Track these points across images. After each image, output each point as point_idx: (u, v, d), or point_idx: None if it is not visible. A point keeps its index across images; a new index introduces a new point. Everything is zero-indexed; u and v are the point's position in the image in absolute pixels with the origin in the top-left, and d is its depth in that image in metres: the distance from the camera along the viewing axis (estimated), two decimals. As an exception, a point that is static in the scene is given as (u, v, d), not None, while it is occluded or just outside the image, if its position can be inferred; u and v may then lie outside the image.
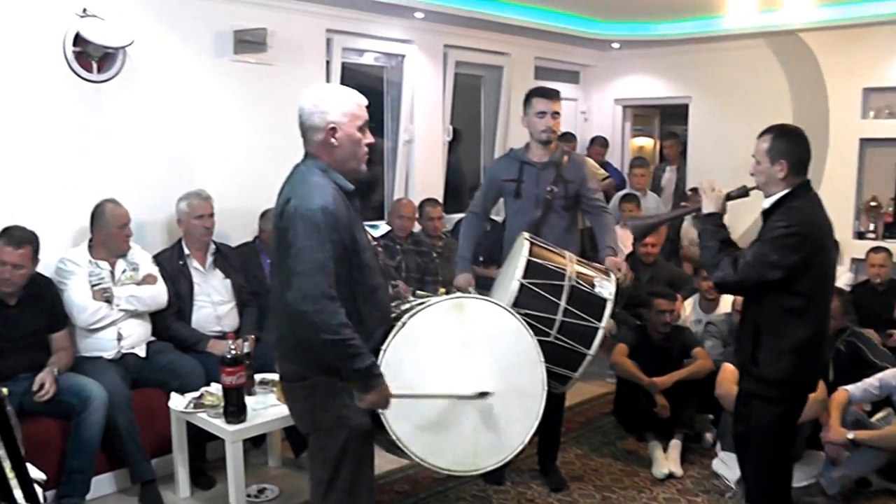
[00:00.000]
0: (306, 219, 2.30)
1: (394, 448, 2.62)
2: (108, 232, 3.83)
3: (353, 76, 5.43)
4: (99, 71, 4.09)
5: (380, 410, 2.48)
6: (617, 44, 7.02)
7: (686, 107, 7.17)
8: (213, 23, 4.50)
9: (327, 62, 5.17)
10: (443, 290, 4.56)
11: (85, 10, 3.95)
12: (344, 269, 2.38)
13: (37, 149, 3.92)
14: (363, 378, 2.39)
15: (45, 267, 3.71)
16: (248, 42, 4.53)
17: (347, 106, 2.44)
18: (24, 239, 3.48)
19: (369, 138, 2.51)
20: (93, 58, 4.05)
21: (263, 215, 4.45)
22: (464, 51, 6.11)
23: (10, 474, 1.74)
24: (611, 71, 7.48)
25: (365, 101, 2.51)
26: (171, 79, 4.37)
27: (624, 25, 6.70)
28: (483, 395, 2.68)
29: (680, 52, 6.91)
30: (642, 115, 8.15)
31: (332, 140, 2.42)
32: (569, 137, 6.52)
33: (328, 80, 5.09)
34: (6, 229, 3.51)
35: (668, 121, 8.35)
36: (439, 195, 5.86)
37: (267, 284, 4.36)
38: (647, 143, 8.38)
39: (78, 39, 3.96)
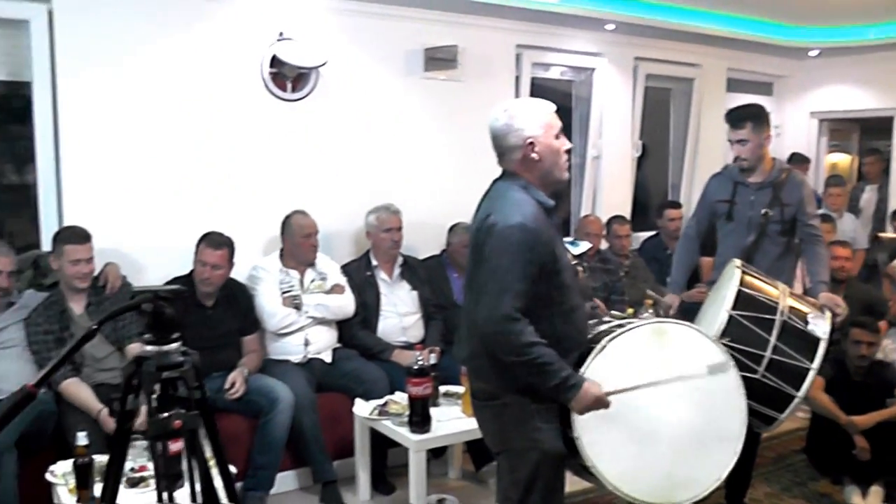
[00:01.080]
0: (503, 236, 2.25)
1: (586, 474, 2.50)
2: (294, 241, 4.02)
3: (540, 91, 5.37)
4: (293, 90, 4.32)
5: (575, 436, 2.37)
6: (815, 51, 6.50)
7: (890, 120, 6.54)
8: (403, 41, 4.63)
9: (516, 77, 5.16)
10: (630, 310, 4.40)
11: (281, 34, 4.19)
12: (542, 288, 2.30)
13: (234, 162, 4.19)
14: (561, 392, 2.29)
15: (238, 273, 3.93)
16: (439, 59, 4.62)
17: (541, 117, 2.38)
18: (223, 242, 3.73)
19: (567, 144, 2.43)
20: (287, 78, 4.29)
21: (452, 229, 4.50)
22: (654, 63, 5.90)
23: (215, 471, 1.80)
24: (807, 81, 6.93)
25: (554, 107, 2.44)
26: (362, 96, 4.53)
27: (824, 31, 6.18)
28: (716, 369, 2.51)
29: (887, 60, 6.29)
30: (839, 130, 7.50)
31: (533, 155, 2.35)
32: (799, 158, 6.15)
33: (517, 96, 5.08)
34: (207, 234, 3.76)
35: (868, 135, 7.67)
36: (627, 212, 5.68)
37: (453, 298, 4.39)
38: (842, 159, 7.70)
39: (274, 61, 4.20)
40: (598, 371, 2.39)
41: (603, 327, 2.60)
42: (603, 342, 2.43)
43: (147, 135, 3.98)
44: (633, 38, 5.60)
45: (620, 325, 2.57)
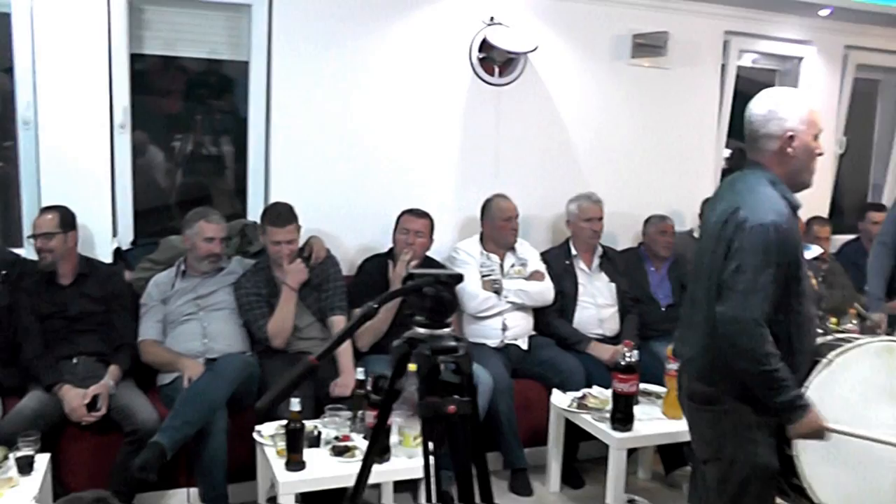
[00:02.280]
0: (756, 234, 2.14)
1: (796, 495, 2.36)
2: (494, 224, 4.03)
3: (741, 81, 5.14)
4: (500, 75, 4.31)
5: (794, 454, 2.25)
6: None
7: None
8: (611, 27, 4.53)
9: (722, 66, 4.94)
10: (833, 319, 4.14)
11: (492, 19, 4.19)
12: (782, 294, 2.19)
13: (440, 144, 4.27)
14: (786, 411, 2.19)
15: (436, 253, 3.99)
16: (647, 46, 4.50)
17: (805, 113, 2.24)
18: (424, 213, 3.85)
19: (821, 149, 2.30)
20: (496, 62, 4.29)
21: (648, 221, 4.39)
22: (866, 52, 5.50)
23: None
24: None
25: (819, 108, 2.31)
26: (567, 82, 4.48)
27: None
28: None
29: None
30: None
31: (789, 150, 2.23)
32: None
33: (723, 86, 4.87)
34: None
35: None
36: (825, 213, 5.35)
37: (649, 291, 4.28)
38: None
39: (484, 45, 4.21)
40: (822, 388, 2.26)
41: (821, 340, 2.43)
42: (830, 356, 2.30)
43: (352, 115, 4.11)
44: (847, 24, 5.24)
45: (845, 340, 2.41)
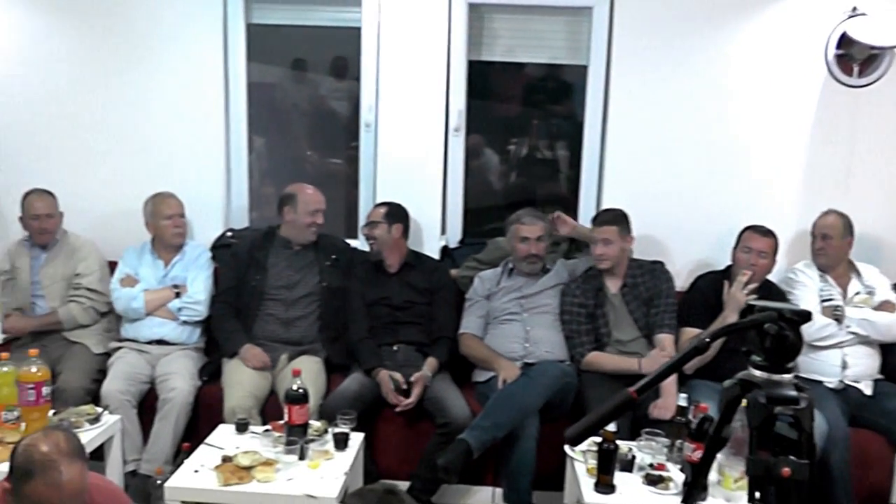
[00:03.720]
0: None
1: None
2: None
3: None
4: (859, 75, 3.79)
5: None
6: None
7: None
8: None
9: None
10: None
11: (854, 9, 3.68)
12: None
13: (785, 151, 3.88)
14: None
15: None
16: None
17: None
18: (769, 231, 3.55)
19: None
20: (855, 60, 3.77)
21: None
22: None
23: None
24: None
25: None
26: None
27: None
28: None
29: None
30: None
31: None
32: None
33: None
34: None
35: None
36: None
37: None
38: None
39: (843, 41, 3.72)
40: None
41: None
42: None
43: (694, 121, 3.90)
44: None
45: None
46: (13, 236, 3.92)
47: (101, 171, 4.12)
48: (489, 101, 4.33)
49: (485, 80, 4.20)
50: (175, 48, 4.02)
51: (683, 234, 3.92)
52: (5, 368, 2.92)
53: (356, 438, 2.99)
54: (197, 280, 3.77)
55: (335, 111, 4.46)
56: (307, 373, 3.07)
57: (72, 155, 4.12)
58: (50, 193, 3.80)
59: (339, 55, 4.35)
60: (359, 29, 3.96)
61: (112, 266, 3.86)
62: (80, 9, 4.05)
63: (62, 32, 4.08)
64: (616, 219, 3.55)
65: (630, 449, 2.87)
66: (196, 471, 2.71)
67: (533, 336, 3.54)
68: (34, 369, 2.85)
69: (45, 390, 2.87)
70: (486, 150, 4.38)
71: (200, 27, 3.99)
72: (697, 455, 2.52)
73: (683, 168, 3.92)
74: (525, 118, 4.48)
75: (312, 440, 2.89)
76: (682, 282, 3.81)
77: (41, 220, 3.74)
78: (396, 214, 3.71)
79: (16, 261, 3.83)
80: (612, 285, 3.58)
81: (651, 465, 2.80)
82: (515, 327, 3.58)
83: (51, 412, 2.97)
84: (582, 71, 4.02)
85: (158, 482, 2.71)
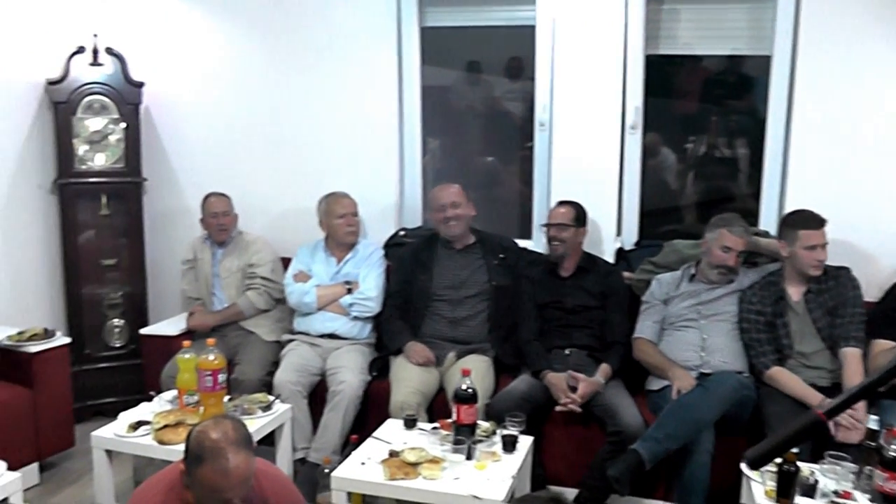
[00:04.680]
0: None
1: None
2: None
3: None
4: None
5: None
6: None
7: None
8: None
9: None
10: None
11: None
12: None
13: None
14: None
15: None
16: None
17: None
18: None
19: None
20: None
21: None
22: None
23: None
24: None
25: None
26: None
27: None
28: None
29: None
30: None
31: None
32: None
33: None
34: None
35: None
36: None
37: None
38: None
39: None
40: None
41: None
42: None
43: (888, 117, 3.53)
44: None
45: None
46: (196, 233, 4.23)
47: (277, 174, 4.36)
48: (665, 97, 4.14)
49: (661, 75, 4.02)
50: (351, 54, 4.16)
51: (882, 240, 3.57)
52: (187, 356, 3.12)
53: (525, 442, 2.94)
54: (369, 277, 3.87)
55: (509, 112, 4.45)
56: (475, 371, 3.05)
57: (249, 159, 4.41)
58: (226, 195, 4.08)
59: (514, 55, 4.32)
60: (533, 27, 3.91)
61: (286, 263, 4.06)
62: (259, 20, 4.30)
63: (242, 44, 4.37)
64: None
65: (812, 472, 2.62)
66: (363, 463, 2.76)
67: (710, 344, 3.35)
68: (212, 357, 3.02)
69: (222, 377, 3.04)
70: (662, 149, 4.20)
71: (375, 33, 4.10)
72: (891, 486, 2.33)
73: (878, 168, 3.57)
74: (703, 115, 4.26)
75: (480, 440, 2.87)
76: (876, 290, 3.47)
77: (218, 218, 4.02)
78: (582, 217, 3.64)
79: (198, 253, 4.12)
80: (795, 293, 3.31)
81: (836, 493, 2.55)
82: (691, 334, 3.40)
83: (226, 398, 3.14)
84: (764, 63, 3.75)
85: (326, 471, 2.79)
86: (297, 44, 4.25)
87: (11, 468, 2.74)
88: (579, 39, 3.81)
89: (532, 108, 4.02)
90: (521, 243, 4.00)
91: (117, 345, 4.42)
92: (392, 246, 4.09)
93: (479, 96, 4.56)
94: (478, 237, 3.80)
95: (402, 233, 4.16)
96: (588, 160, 3.87)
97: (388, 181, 4.22)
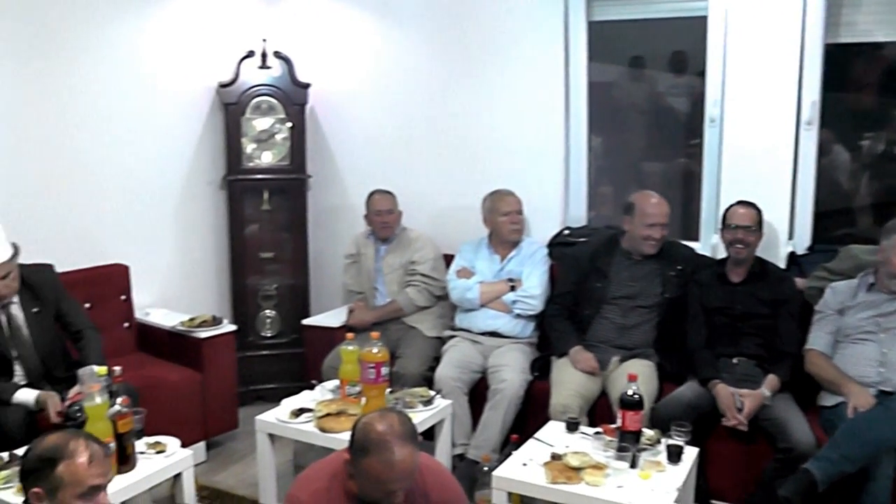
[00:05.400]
0: None
1: None
2: None
3: None
4: None
5: None
6: None
7: None
8: None
9: None
10: None
11: None
12: None
13: None
14: None
15: None
16: None
17: None
18: None
19: None
20: None
21: None
22: None
23: None
24: None
25: None
26: None
27: None
28: None
29: None
30: None
31: None
32: None
33: None
34: None
35: None
36: None
37: None
38: None
39: None
40: None
41: None
42: None
43: None
44: None
45: None
46: (359, 229, 4.32)
47: (440, 171, 4.40)
48: (839, 90, 3.85)
49: (835, 66, 3.73)
50: (516, 51, 4.14)
51: None
52: (350, 347, 3.19)
53: (690, 453, 2.81)
54: (532, 275, 3.83)
55: (673, 108, 4.29)
56: (640, 376, 2.94)
57: (412, 157, 4.47)
58: (390, 193, 4.15)
59: (678, 49, 4.17)
60: (702, 18, 3.75)
61: (448, 259, 4.08)
62: (423, 20, 4.36)
63: (405, 43, 4.45)
64: None
65: None
66: (524, 464, 2.72)
67: (890, 360, 3.08)
68: (375, 350, 3.07)
69: (384, 370, 3.08)
70: (835, 146, 3.93)
71: (542, 29, 4.06)
72: None
73: None
74: (882, 109, 3.95)
75: (644, 448, 2.76)
76: None
77: (382, 216, 4.09)
78: (762, 221, 3.45)
79: (361, 248, 4.21)
80: None
81: None
82: (869, 348, 3.14)
83: (388, 391, 3.17)
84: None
85: (485, 469, 2.77)
86: (462, 42, 4.28)
87: (183, 446, 2.89)
88: (753, 29, 3.62)
89: (697, 104, 3.86)
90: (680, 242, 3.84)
91: (268, 334, 4.60)
92: (556, 245, 4.03)
93: (641, 92, 4.43)
94: (655, 251, 3.64)
95: (566, 232, 4.11)
96: (760, 158, 3.67)
97: (553, 179, 4.16)
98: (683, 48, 4.08)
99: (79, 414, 2.70)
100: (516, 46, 4.13)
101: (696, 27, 3.77)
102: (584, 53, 4.06)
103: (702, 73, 3.82)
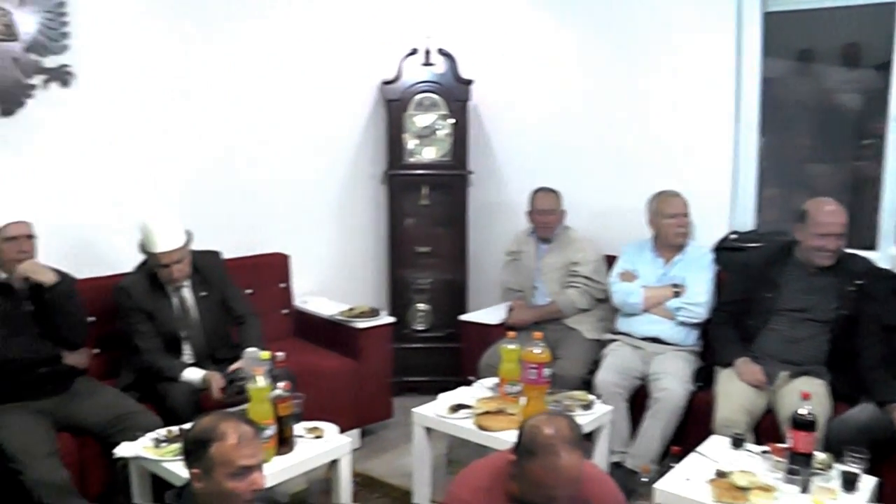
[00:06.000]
0: None
1: None
2: None
3: None
4: None
5: None
6: None
7: None
8: None
9: None
10: None
11: None
12: None
13: None
14: None
15: None
16: None
17: None
18: None
19: None
20: None
21: None
22: None
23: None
24: None
25: None
26: None
27: None
28: None
29: None
30: None
31: None
32: None
33: None
34: None
35: None
36: None
37: None
38: None
39: None
40: None
41: None
42: None
43: None
44: None
45: None
46: (519, 226, 4.29)
47: (603, 170, 4.32)
48: None
49: None
50: (684, 45, 4.00)
51: None
52: (511, 346, 3.17)
53: (868, 482, 2.61)
54: (698, 281, 3.69)
55: (844, 105, 4.01)
56: (813, 396, 2.75)
57: (575, 155, 4.41)
58: (554, 191, 4.09)
59: (850, 42, 3.89)
60: (888, 6, 3.46)
61: (610, 261, 4.00)
62: (588, 15, 4.32)
63: (569, 40, 4.39)
64: None
65: None
66: (688, 479, 2.61)
67: None
68: (537, 350, 3.02)
69: (546, 371, 3.02)
70: None
71: (712, 21, 3.89)
72: None
73: None
74: None
75: (816, 473, 2.59)
76: None
77: (544, 215, 4.05)
78: None
79: (521, 246, 4.19)
80: None
81: None
82: None
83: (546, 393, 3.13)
84: None
85: (644, 479, 2.68)
86: (628, 37, 4.18)
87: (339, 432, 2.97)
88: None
89: (872, 101, 3.61)
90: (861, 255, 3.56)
91: (420, 328, 4.66)
92: (722, 250, 3.87)
93: (808, 88, 4.15)
94: (838, 257, 3.38)
95: (733, 236, 3.93)
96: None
97: (720, 181, 4.00)
98: (857, 40, 3.78)
99: (240, 384, 2.82)
100: (684, 40, 3.99)
101: (877, 15, 3.49)
102: (757, 47, 3.86)
103: (878, 67, 3.55)
